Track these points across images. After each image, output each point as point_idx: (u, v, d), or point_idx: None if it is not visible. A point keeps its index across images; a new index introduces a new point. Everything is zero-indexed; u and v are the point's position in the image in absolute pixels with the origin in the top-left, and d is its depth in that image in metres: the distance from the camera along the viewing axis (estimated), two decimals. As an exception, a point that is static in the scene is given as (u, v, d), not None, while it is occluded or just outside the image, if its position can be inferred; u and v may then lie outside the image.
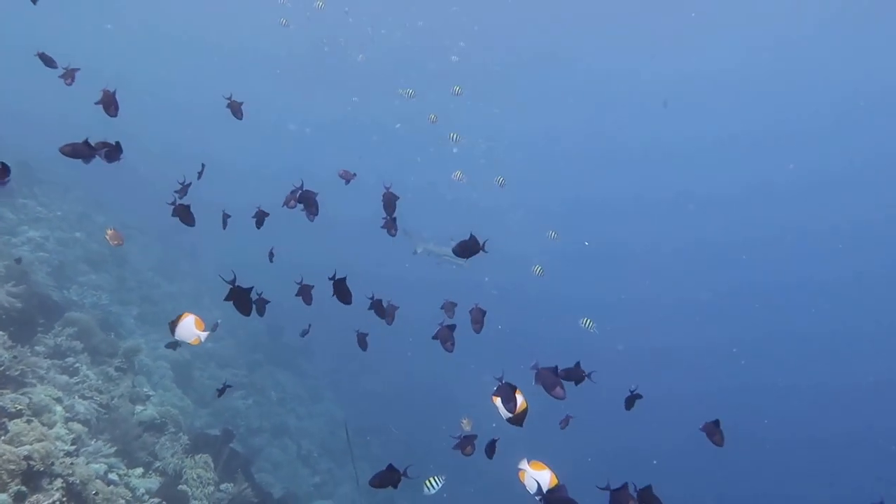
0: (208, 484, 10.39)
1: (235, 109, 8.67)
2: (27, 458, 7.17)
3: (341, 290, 6.76)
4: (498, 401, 4.89)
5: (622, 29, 45.49)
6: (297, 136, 54.60)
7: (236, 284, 6.10)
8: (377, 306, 7.72)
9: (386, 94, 33.53)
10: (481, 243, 6.34)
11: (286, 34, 31.31)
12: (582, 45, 47.77)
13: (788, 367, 39.24)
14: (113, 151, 6.06)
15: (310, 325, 9.71)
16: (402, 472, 5.52)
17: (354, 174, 8.55)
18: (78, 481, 7.66)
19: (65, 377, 11.27)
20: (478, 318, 7.02)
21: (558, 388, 5.71)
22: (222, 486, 10.51)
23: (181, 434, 11.51)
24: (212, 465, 10.76)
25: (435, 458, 24.22)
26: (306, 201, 7.49)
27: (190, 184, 8.69)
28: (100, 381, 11.58)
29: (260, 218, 8.43)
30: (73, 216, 19.42)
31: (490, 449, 6.50)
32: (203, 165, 9.11)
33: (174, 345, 9.75)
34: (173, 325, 5.65)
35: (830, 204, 50.09)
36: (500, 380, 5.50)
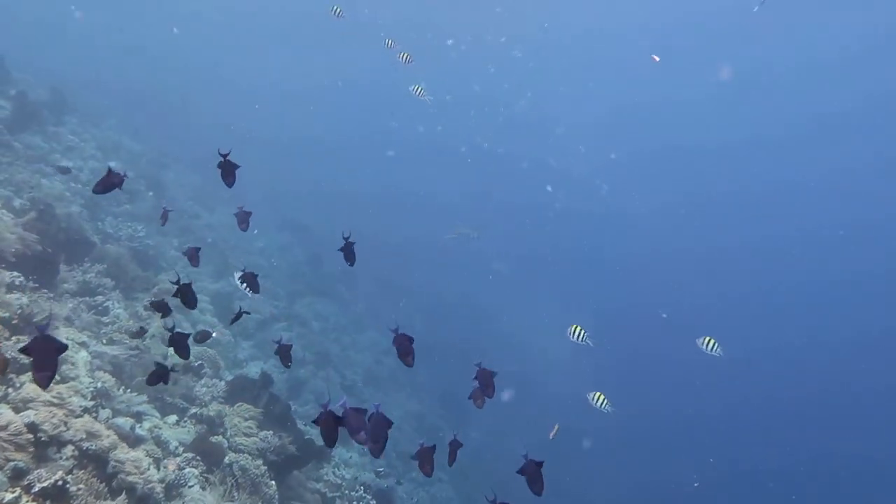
0: (248, 434, 9.30)
1: (348, 252, 6.58)
2: (32, 425, 6.00)
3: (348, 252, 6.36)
4: None
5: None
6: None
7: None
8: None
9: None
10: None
11: None
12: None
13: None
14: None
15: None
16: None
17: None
18: (94, 446, 6.51)
19: (93, 318, 10.18)
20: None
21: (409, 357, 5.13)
22: (261, 435, 9.42)
23: (217, 379, 10.41)
24: (252, 413, 9.66)
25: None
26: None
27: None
28: (131, 322, 10.45)
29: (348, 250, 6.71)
30: (109, 145, 18.10)
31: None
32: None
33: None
34: None
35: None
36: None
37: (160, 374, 5.78)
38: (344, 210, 28.04)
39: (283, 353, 6.32)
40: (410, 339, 5.21)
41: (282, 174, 32.09)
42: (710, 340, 7.64)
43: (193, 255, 6.95)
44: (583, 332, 7.45)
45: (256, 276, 6.72)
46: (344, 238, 6.34)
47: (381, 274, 26.70)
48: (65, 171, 13.32)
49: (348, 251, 6.32)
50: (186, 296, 5.85)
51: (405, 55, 11.32)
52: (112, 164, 16.72)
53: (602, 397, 7.55)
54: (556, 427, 7.59)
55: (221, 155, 6.24)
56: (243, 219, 6.93)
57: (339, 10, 11.90)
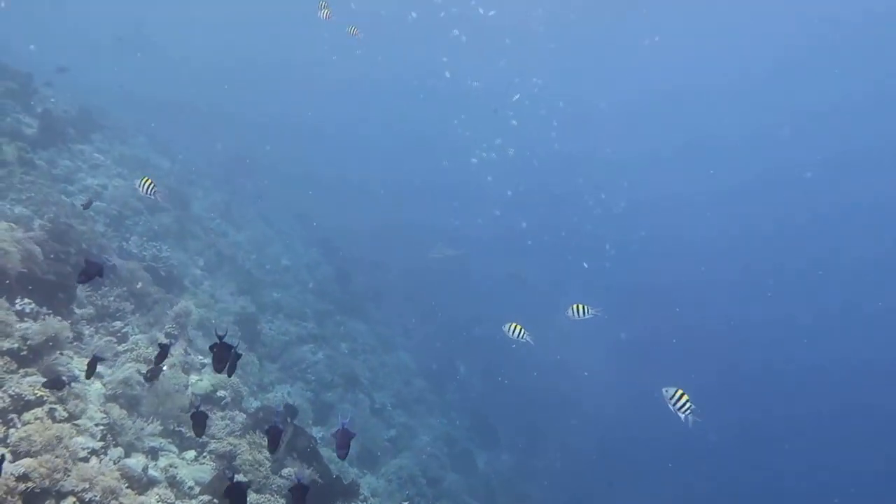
0: (266, 469, 8.58)
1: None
2: (24, 476, 5.34)
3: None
4: None
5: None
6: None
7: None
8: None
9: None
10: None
11: None
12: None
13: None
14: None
15: None
16: None
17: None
18: (97, 496, 5.84)
19: (111, 345, 9.61)
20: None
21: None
22: (284, 472, 8.70)
23: (238, 411, 9.73)
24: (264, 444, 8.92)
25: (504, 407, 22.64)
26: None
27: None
28: (150, 350, 9.85)
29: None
30: (135, 162, 17.75)
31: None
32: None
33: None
34: None
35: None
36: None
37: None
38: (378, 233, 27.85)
39: (223, 356, 5.53)
40: None
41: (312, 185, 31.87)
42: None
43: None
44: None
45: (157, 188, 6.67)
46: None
47: (411, 293, 26.05)
48: (87, 205, 12.78)
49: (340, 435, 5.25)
50: (235, 498, 5.06)
51: (352, 29, 12.14)
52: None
53: (520, 328, 7.10)
54: None
55: (218, 336, 5.52)
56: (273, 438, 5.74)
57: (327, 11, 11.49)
